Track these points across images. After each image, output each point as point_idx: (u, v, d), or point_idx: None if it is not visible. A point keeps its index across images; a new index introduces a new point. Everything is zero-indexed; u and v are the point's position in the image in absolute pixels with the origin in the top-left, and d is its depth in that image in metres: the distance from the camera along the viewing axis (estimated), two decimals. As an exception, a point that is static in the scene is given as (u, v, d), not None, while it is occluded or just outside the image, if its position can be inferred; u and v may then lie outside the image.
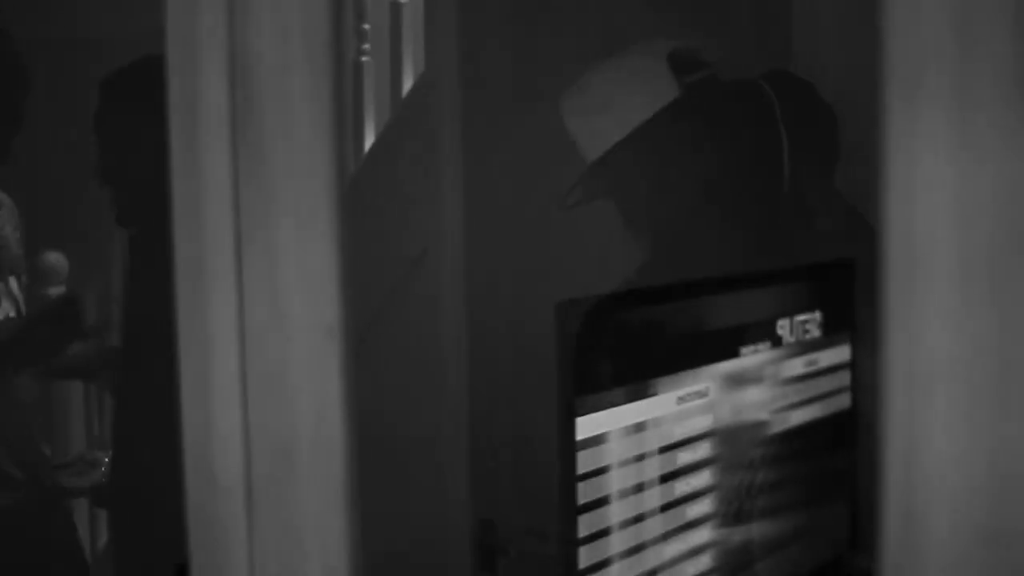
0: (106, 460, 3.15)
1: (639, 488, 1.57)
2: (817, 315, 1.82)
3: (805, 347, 1.80)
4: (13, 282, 2.99)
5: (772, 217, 2.25)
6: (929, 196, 0.77)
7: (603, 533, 1.52)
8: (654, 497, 1.59)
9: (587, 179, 2.32)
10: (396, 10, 3.69)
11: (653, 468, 1.59)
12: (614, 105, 2.24)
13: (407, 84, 3.63)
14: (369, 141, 3.71)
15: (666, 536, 1.61)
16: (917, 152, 0.77)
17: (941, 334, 0.76)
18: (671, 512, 1.61)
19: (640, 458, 1.57)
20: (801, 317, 1.79)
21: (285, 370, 0.98)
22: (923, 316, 0.77)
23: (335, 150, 0.95)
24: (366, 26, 3.78)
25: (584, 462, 1.49)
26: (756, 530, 1.74)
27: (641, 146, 2.22)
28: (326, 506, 0.98)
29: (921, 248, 0.77)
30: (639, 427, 1.56)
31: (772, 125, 2.24)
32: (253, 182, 0.98)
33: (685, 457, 1.63)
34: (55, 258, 3.64)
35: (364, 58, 3.78)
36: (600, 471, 1.51)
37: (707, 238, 2.22)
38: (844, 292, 1.87)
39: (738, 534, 1.71)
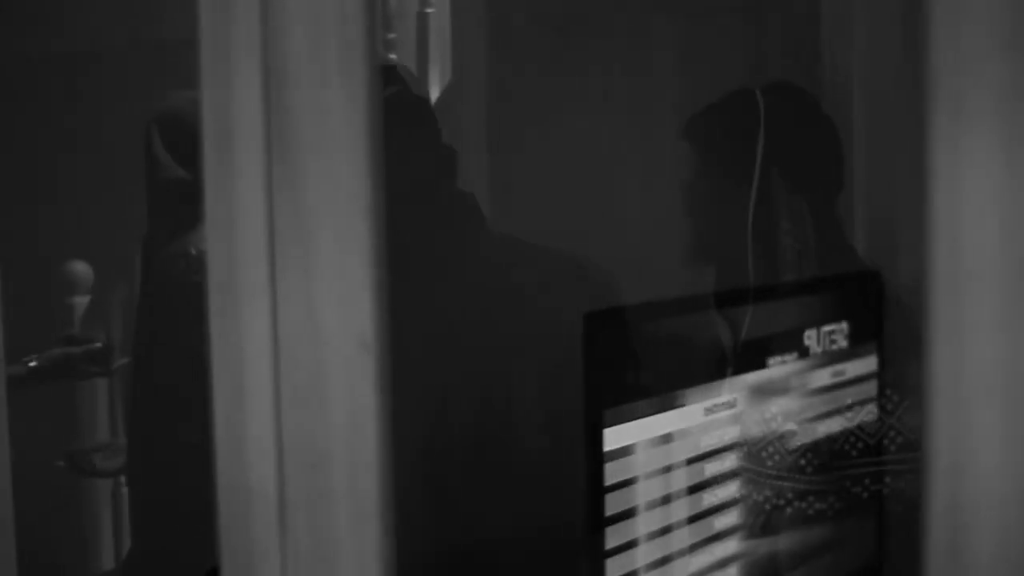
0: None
1: (666, 499, 1.57)
2: (844, 326, 1.81)
3: (832, 358, 1.80)
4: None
5: (719, 227, 2.26)
6: (975, 209, 0.76)
7: (630, 545, 1.52)
8: (681, 508, 1.59)
9: None
10: (423, 19, 3.70)
11: (680, 479, 1.58)
12: None
13: (434, 94, 3.63)
14: (396, 150, 3.70)
15: (693, 548, 1.61)
16: (962, 165, 0.76)
17: (987, 349, 0.76)
18: (698, 524, 1.61)
19: (667, 469, 1.57)
20: (828, 328, 1.79)
21: (319, 382, 0.98)
22: (969, 330, 0.76)
23: (371, 162, 0.95)
24: (392, 35, 3.79)
25: (611, 473, 1.49)
26: (783, 542, 1.74)
27: None
28: (359, 517, 0.98)
29: (967, 262, 0.76)
30: (666, 438, 1.56)
31: (752, 136, 2.24)
32: (288, 194, 0.98)
33: (712, 468, 1.62)
34: (81, 268, 3.66)
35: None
36: (627, 482, 1.51)
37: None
38: (871, 303, 1.87)
39: (765, 546, 1.71)
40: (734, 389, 1.65)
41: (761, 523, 1.70)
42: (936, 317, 0.76)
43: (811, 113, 2.31)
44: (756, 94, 2.26)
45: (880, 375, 1.87)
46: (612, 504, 1.50)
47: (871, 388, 1.87)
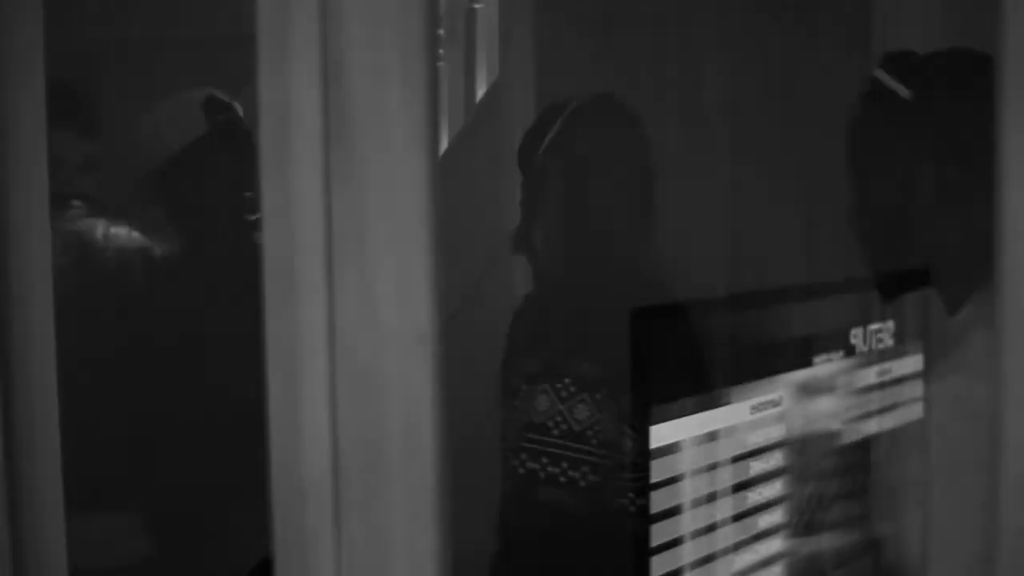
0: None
1: (711, 497, 1.57)
2: (890, 324, 1.81)
3: (878, 356, 1.79)
4: None
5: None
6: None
7: (675, 543, 1.52)
8: (726, 507, 1.59)
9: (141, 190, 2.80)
10: (471, 16, 3.71)
11: (725, 477, 1.58)
12: (156, 135, 2.74)
13: (481, 90, 3.64)
14: (443, 147, 3.72)
15: (738, 546, 1.61)
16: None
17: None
18: (743, 522, 1.61)
19: (712, 467, 1.57)
20: (874, 326, 1.78)
21: (376, 375, 0.98)
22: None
23: (429, 157, 0.95)
24: (440, 31, 3.80)
25: (657, 471, 1.49)
26: (827, 541, 1.74)
27: (182, 168, 2.72)
28: (415, 513, 0.98)
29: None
30: (712, 436, 1.56)
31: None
32: (345, 188, 0.98)
33: (757, 467, 1.62)
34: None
35: (439, 64, 3.80)
36: (673, 480, 1.51)
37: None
38: (917, 301, 1.87)
39: (809, 545, 1.71)
40: (780, 387, 1.65)
41: (806, 522, 1.70)
42: (1006, 316, 0.75)
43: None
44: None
45: (926, 374, 1.87)
46: (657, 501, 1.50)
47: (917, 387, 1.87)
